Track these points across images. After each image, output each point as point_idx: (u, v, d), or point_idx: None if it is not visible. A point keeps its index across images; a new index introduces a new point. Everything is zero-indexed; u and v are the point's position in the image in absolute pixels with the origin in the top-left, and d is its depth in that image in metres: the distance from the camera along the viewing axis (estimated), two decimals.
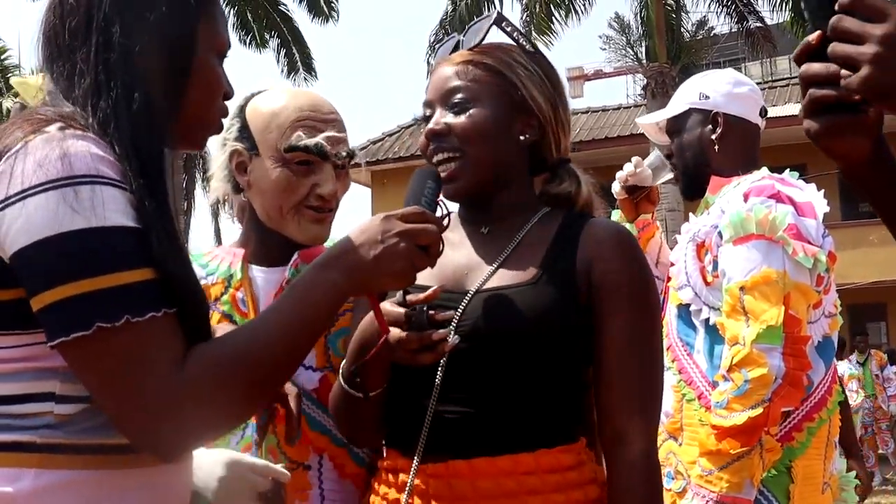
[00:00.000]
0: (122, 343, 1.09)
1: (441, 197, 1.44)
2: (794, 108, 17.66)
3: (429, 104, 1.60)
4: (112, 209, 1.11)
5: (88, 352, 1.10)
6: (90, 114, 1.20)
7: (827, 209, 2.37)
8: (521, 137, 1.58)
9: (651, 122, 2.74)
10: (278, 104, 1.75)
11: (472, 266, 1.55)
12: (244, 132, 1.77)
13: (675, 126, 2.59)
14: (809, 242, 2.25)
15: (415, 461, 1.46)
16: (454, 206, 1.67)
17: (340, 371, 1.54)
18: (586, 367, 1.52)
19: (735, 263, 2.26)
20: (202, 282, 1.75)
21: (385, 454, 1.58)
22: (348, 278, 1.25)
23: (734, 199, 2.35)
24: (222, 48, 1.32)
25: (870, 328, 17.97)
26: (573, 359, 1.50)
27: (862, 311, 17.80)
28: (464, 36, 1.62)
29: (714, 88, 2.53)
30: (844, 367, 11.55)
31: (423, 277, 1.54)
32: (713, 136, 2.49)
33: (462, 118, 1.55)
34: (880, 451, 12.40)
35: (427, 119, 1.60)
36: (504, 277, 1.51)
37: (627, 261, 1.52)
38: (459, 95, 1.56)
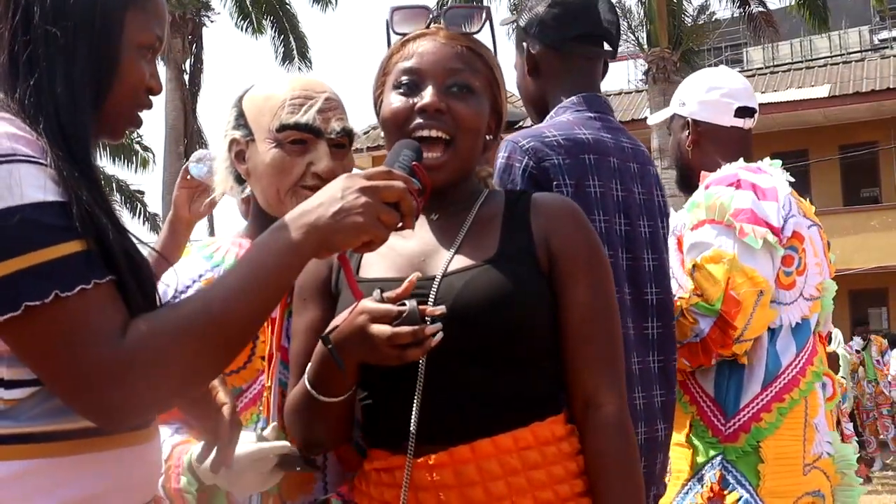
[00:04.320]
0: (54, 319, 1.08)
1: (420, 167, 1.41)
2: (795, 94, 17.61)
3: (417, 73, 1.55)
4: (30, 185, 1.09)
5: (22, 332, 1.08)
6: (9, 94, 1.19)
7: (788, 191, 2.46)
8: (487, 137, 1.62)
9: (654, 120, 2.92)
10: (271, 88, 1.73)
11: (428, 252, 1.54)
12: (240, 120, 1.74)
13: (668, 129, 2.80)
14: (767, 224, 2.33)
15: (408, 455, 1.44)
16: None
17: (305, 377, 1.49)
18: (555, 337, 1.53)
19: (692, 246, 2.39)
20: (208, 274, 1.73)
21: (371, 455, 1.53)
22: (306, 236, 1.20)
23: (699, 190, 2.48)
24: (148, 42, 1.29)
25: (871, 314, 17.98)
26: (545, 328, 1.51)
27: (863, 297, 17.81)
28: (443, 16, 1.60)
29: (689, 95, 2.69)
30: (841, 352, 11.55)
31: (378, 269, 1.54)
32: (687, 143, 2.66)
33: (462, 104, 1.53)
34: (881, 437, 12.43)
35: (407, 87, 1.55)
36: (466, 259, 1.51)
37: (581, 230, 1.56)
38: (461, 80, 1.54)
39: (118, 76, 1.25)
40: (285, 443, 1.56)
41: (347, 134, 1.72)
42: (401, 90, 1.55)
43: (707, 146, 2.63)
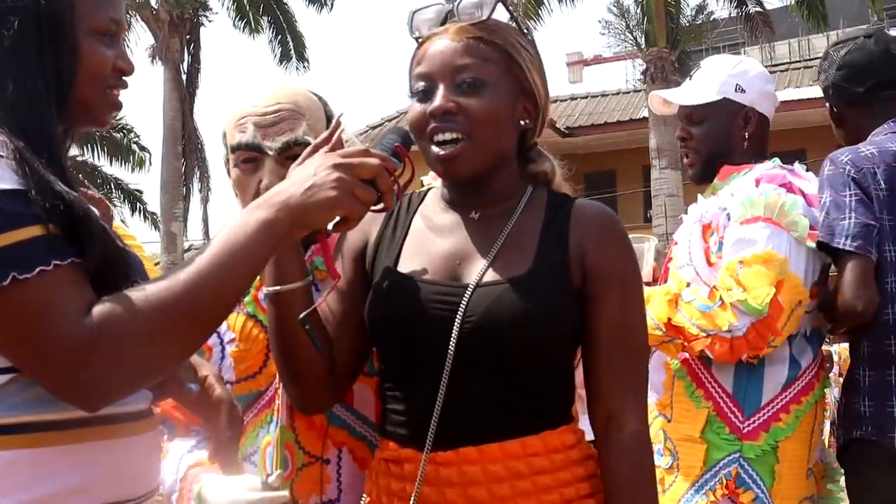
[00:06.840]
0: (15, 301, 1.09)
1: (403, 148, 1.41)
2: (793, 93, 17.61)
3: (428, 77, 1.53)
4: None
5: None
6: None
7: None
8: (522, 122, 1.57)
9: (677, 99, 2.67)
10: (233, 107, 1.77)
11: (465, 255, 1.53)
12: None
13: (703, 113, 2.57)
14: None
15: (426, 451, 1.45)
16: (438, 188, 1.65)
17: (265, 293, 1.50)
18: (575, 350, 1.55)
19: (739, 241, 2.31)
20: None
21: (382, 445, 1.56)
22: (277, 214, 1.21)
23: (745, 183, 2.40)
24: (103, 27, 1.28)
25: None
26: (569, 346, 1.53)
27: None
28: (457, 7, 1.56)
29: (749, 83, 2.56)
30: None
31: (414, 264, 1.53)
32: (745, 132, 2.52)
33: (474, 100, 1.49)
34: None
35: (422, 93, 1.53)
36: (501, 269, 1.50)
37: (618, 246, 1.54)
38: (470, 74, 1.50)
39: (79, 65, 1.25)
40: (285, 493, 1.56)
41: (293, 146, 1.67)
42: (417, 97, 1.54)
43: (757, 138, 2.55)
